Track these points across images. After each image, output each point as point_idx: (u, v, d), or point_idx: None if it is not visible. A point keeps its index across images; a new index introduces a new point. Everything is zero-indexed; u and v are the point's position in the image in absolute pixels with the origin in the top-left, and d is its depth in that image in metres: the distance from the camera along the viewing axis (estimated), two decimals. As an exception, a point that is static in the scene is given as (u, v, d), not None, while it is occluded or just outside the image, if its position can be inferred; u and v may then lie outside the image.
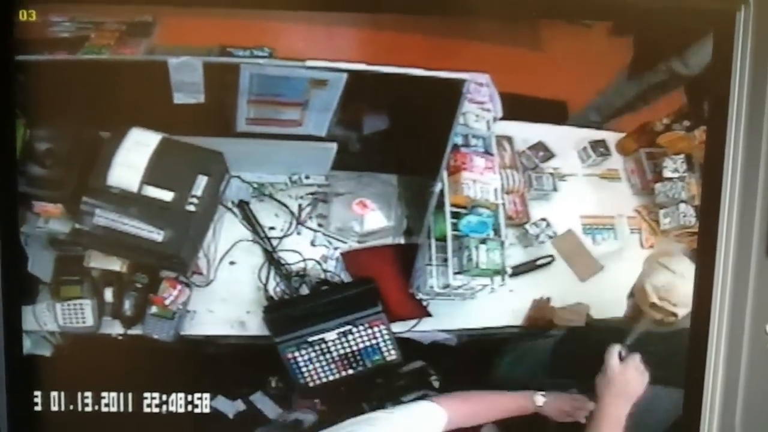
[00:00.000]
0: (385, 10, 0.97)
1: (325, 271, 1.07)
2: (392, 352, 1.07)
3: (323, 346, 1.05)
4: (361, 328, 1.05)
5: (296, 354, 1.05)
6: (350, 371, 1.07)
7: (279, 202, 1.08)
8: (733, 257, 0.97)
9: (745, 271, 0.97)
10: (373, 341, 1.06)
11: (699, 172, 1.03)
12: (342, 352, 1.06)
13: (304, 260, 1.07)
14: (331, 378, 1.07)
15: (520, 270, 1.08)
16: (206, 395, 1.04)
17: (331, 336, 1.05)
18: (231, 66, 0.97)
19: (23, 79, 0.95)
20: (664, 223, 1.07)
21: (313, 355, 1.05)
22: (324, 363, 1.06)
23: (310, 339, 1.04)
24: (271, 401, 1.07)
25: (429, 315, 1.08)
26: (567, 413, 1.04)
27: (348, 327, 1.05)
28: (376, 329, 1.05)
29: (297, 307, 1.05)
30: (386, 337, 1.06)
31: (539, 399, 1.04)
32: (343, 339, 1.05)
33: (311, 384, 1.06)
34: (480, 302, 1.08)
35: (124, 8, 0.96)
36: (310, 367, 1.06)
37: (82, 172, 1.00)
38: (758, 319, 0.97)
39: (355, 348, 1.06)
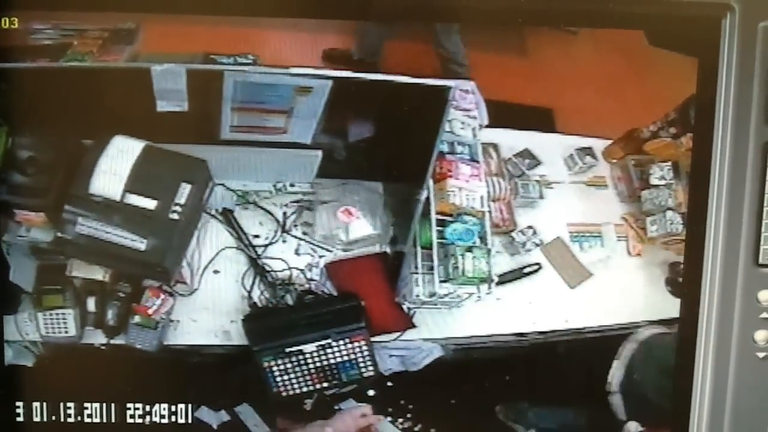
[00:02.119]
0: (370, 17, 0.97)
1: (309, 280, 1.06)
2: (369, 368, 1.06)
3: (300, 357, 1.04)
4: (341, 342, 1.04)
5: (272, 363, 1.04)
6: (325, 384, 1.06)
7: (264, 209, 1.07)
8: (720, 265, 0.97)
9: (733, 279, 0.97)
10: (352, 356, 1.05)
11: (686, 180, 1.03)
12: (319, 364, 1.05)
13: (289, 268, 1.06)
14: (305, 390, 1.06)
15: (506, 278, 1.08)
16: (190, 406, 1.04)
17: (309, 348, 1.04)
18: (215, 73, 0.97)
19: (5, 86, 0.94)
20: (651, 230, 1.07)
21: (289, 365, 1.04)
22: (299, 374, 1.05)
23: (288, 350, 1.03)
24: (256, 413, 1.06)
25: (413, 326, 1.07)
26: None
27: (327, 340, 1.04)
28: (356, 344, 1.04)
29: (278, 317, 1.05)
30: (365, 352, 1.05)
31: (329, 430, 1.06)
32: (321, 352, 1.04)
33: (284, 394, 1.05)
34: (466, 311, 1.07)
35: (106, 15, 0.96)
36: (285, 377, 1.05)
37: (64, 181, 0.99)
38: (746, 327, 0.97)
39: (332, 362, 1.05)
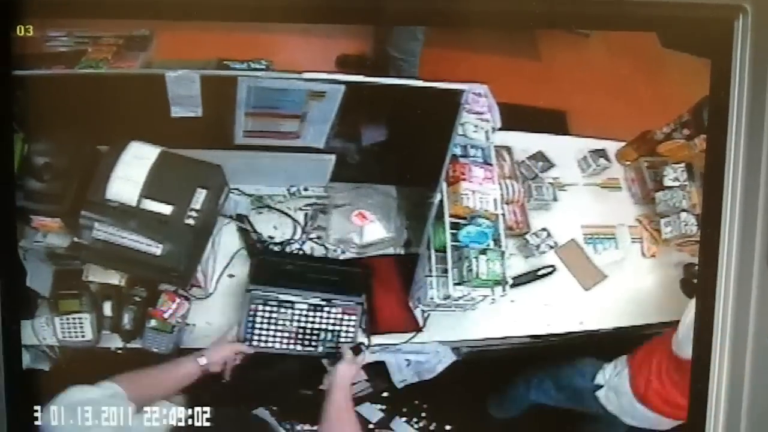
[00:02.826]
0: (382, 22, 0.97)
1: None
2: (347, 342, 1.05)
3: (288, 311, 1.03)
4: (333, 309, 1.04)
5: (259, 308, 1.03)
6: (297, 347, 1.05)
7: (284, 213, 1.07)
8: (735, 265, 0.97)
9: (748, 280, 0.96)
10: (337, 327, 1.04)
11: (700, 181, 1.03)
12: (302, 324, 1.04)
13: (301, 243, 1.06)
14: (275, 347, 1.04)
15: (521, 280, 1.08)
16: (206, 409, 1.04)
17: (301, 305, 1.03)
18: (228, 79, 0.97)
19: (21, 93, 0.95)
20: (666, 232, 1.07)
21: (274, 315, 1.03)
22: (279, 328, 1.04)
23: (281, 297, 1.03)
24: (272, 417, 1.06)
25: (420, 330, 1.07)
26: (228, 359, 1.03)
27: (322, 302, 1.04)
28: (346, 316, 1.04)
29: (285, 261, 1.05)
30: (351, 327, 1.04)
31: (202, 360, 1.01)
32: (311, 312, 1.04)
33: (253, 344, 1.04)
34: (481, 313, 1.07)
35: (121, 22, 0.96)
36: (264, 326, 1.04)
37: (80, 186, 0.99)
38: (761, 328, 0.97)
39: (316, 325, 1.04)
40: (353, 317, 1.04)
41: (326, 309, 1.04)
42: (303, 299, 1.03)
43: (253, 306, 1.03)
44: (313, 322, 1.04)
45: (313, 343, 1.05)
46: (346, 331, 1.05)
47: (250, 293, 1.03)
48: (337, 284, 1.04)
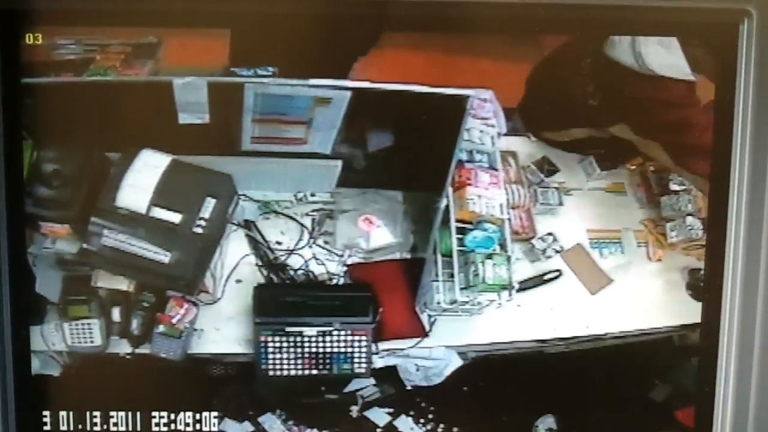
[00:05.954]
0: (386, 28, 0.98)
1: (330, 275, 1.07)
2: (363, 365, 1.06)
3: (299, 339, 1.04)
4: (342, 332, 1.04)
5: (269, 339, 1.04)
6: (314, 372, 1.05)
7: (291, 218, 1.08)
8: (741, 269, 0.97)
9: (754, 282, 0.97)
10: (349, 349, 1.05)
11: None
12: (314, 350, 1.05)
13: (306, 262, 1.07)
14: (292, 373, 1.05)
15: (527, 285, 1.08)
16: (214, 414, 1.04)
17: (310, 332, 1.04)
18: (235, 85, 0.98)
19: (30, 101, 0.96)
20: (671, 236, 1.07)
21: (285, 345, 1.04)
22: (292, 356, 1.05)
23: (288, 329, 1.04)
24: (280, 423, 1.07)
25: (426, 335, 1.08)
26: None
27: (330, 328, 1.04)
28: (356, 338, 1.05)
29: (288, 291, 1.06)
30: (364, 348, 1.05)
31: None
32: (321, 338, 1.04)
33: (271, 373, 1.05)
34: (487, 317, 1.08)
35: (128, 30, 0.97)
36: (278, 356, 1.04)
37: (89, 193, 1.00)
38: (768, 331, 0.97)
39: (329, 350, 1.05)
40: (364, 338, 1.05)
41: (335, 333, 1.04)
42: (310, 327, 1.04)
43: (262, 338, 1.04)
44: (324, 347, 1.05)
45: (327, 366, 1.05)
46: (359, 352, 1.05)
47: (258, 325, 1.04)
48: (342, 309, 1.05)
